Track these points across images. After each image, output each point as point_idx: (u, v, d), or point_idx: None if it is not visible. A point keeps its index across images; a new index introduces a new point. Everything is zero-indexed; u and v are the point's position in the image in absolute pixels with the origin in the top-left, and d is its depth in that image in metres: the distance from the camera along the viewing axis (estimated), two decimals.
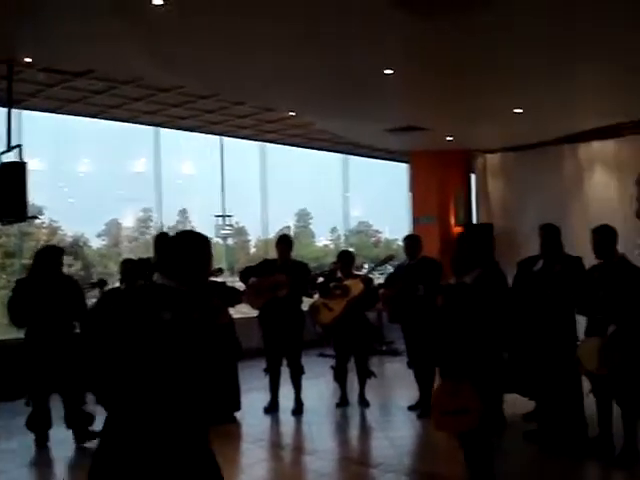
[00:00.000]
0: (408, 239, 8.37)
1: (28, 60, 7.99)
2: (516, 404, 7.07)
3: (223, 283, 8.14)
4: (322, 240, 18.41)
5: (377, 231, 20.33)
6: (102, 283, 7.48)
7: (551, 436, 6.34)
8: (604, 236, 5.92)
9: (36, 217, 11.89)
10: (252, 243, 19.11)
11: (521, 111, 9.88)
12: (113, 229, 17.79)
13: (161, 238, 3.26)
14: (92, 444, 6.53)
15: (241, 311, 8.87)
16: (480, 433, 4.65)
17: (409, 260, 8.09)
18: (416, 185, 13.85)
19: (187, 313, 3.04)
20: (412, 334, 7.95)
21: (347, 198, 16.82)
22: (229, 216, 15.07)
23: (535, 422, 6.70)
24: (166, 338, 2.95)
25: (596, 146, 12.69)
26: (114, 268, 16.54)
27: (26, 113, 10.45)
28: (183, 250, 3.16)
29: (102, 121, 11.60)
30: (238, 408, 7.86)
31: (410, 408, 7.95)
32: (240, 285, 8.18)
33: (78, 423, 6.84)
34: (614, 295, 5.54)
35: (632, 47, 7.23)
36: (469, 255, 4.81)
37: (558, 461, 5.92)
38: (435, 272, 7.67)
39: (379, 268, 9.07)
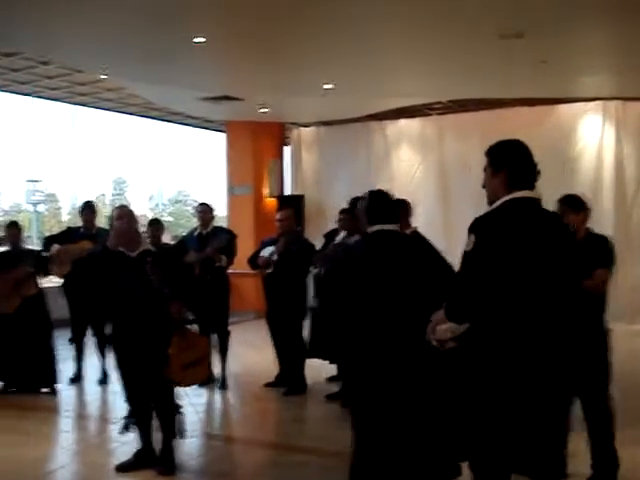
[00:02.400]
0: (203, 206, 8.03)
1: None
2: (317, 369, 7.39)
3: (39, 251, 7.87)
4: (140, 209, 18.09)
5: (195, 200, 20.25)
6: None
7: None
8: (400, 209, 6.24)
9: None
10: (64, 210, 18.46)
11: (332, 87, 10.16)
12: None
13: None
14: None
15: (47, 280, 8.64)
16: None
17: (202, 228, 7.85)
18: (232, 155, 13.90)
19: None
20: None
21: (164, 166, 16.61)
22: (39, 181, 14.48)
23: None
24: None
25: (403, 124, 13.32)
26: None
27: None
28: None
29: None
30: (55, 380, 7.63)
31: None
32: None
33: None
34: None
35: (438, 32, 7.65)
36: None
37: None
38: (232, 241, 7.73)
39: None
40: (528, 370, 3.15)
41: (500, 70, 9.30)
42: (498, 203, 3.30)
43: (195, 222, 8.27)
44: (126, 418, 5.19)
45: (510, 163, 3.33)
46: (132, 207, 5.47)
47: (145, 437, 5.20)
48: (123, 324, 5.11)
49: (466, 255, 3.21)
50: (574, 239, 3.45)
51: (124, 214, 5.10)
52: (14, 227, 7.72)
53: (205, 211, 7.91)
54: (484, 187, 3.42)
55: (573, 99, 11.68)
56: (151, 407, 5.14)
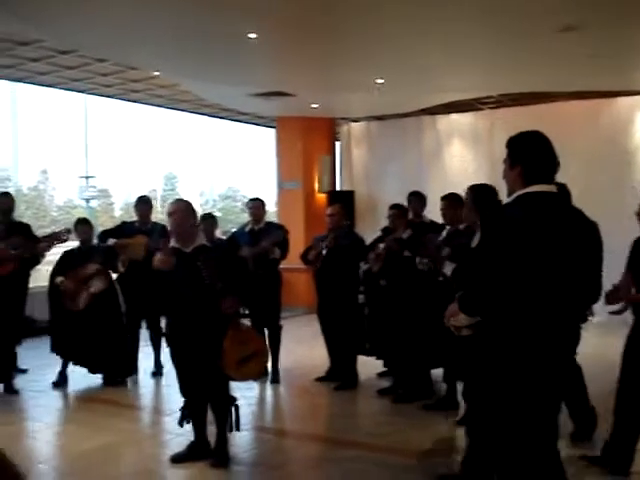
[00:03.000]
0: (255, 202, 8.01)
1: None
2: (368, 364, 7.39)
3: (110, 247, 7.96)
4: None
5: (245, 196, 20.37)
6: None
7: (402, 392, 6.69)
8: (452, 203, 6.22)
9: None
10: (117, 206, 18.72)
11: (383, 81, 10.13)
12: None
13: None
14: None
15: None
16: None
17: (254, 224, 7.85)
18: (282, 151, 13.94)
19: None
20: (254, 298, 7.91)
21: (215, 162, 16.75)
22: (92, 177, 14.70)
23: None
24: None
25: (454, 118, 13.21)
26: None
27: None
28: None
29: None
30: (132, 372, 7.87)
31: None
32: None
33: None
34: (454, 260, 5.82)
35: (489, 27, 7.57)
36: None
37: (403, 416, 6.25)
38: (285, 237, 7.72)
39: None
40: (538, 365, 3.14)
41: (552, 64, 9.16)
42: (512, 198, 3.27)
43: (245, 218, 8.29)
44: (182, 410, 5.25)
45: (527, 156, 3.29)
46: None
47: (199, 429, 5.27)
48: (177, 319, 5.16)
49: (474, 250, 3.20)
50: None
51: (174, 211, 5.09)
52: (84, 223, 7.79)
53: (257, 207, 7.91)
54: (504, 178, 3.40)
55: (630, 92, 11.45)
56: (206, 400, 5.19)
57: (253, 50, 8.44)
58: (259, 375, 5.92)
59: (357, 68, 9.53)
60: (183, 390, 5.24)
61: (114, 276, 7.95)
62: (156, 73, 10.92)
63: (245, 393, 7.18)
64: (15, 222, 7.91)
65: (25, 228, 7.87)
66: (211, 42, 8.28)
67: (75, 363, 7.68)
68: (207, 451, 5.22)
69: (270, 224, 8.04)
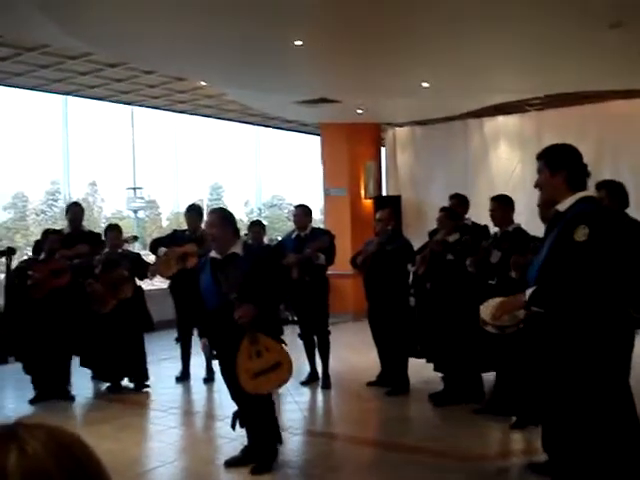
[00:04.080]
0: (299, 208, 8.03)
1: None
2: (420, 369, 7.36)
3: (138, 255, 8.10)
4: (235, 213, 18.40)
5: (291, 204, 20.45)
6: (10, 251, 7.39)
7: (449, 396, 6.65)
8: (502, 204, 6.19)
9: None
10: (164, 216, 18.92)
11: (428, 85, 10.11)
12: (19, 202, 17.36)
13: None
14: None
15: (152, 283, 8.92)
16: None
17: (300, 231, 7.86)
18: (327, 157, 13.97)
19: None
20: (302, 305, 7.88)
21: (260, 171, 16.86)
22: (140, 188, 14.90)
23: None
24: None
25: (501, 121, 13.12)
26: (21, 241, 16.19)
27: None
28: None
29: (8, 89, 11.31)
30: (146, 378, 7.85)
31: (302, 383, 7.89)
32: (152, 258, 8.20)
33: None
34: (505, 262, 5.79)
35: (535, 29, 7.52)
36: None
37: (456, 420, 6.21)
38: (331, 242, 7.70)
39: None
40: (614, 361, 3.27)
41: (598, 62, 9.06)
42: (571, 201, 3.41)
43: (290, 226, 8.33)
44: (234, 415, 5.26)
45: (569, 164, 3.50)
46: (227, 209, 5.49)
47: (252, 433, 5.28)
48: (207, 326, 5.18)
49: (579, 245, 3.25)
50: None
51: (209, 223, 5.15)
52: (114, 230, 7.91)
53: (301, 214, 7.92)
54: (536, 187, 3.57)
55: None
56: (253, 405, 5.13)
57: (299, 57, 8.51)
58: (280, 386, 5.41)
59: (402, 72, 9.53)
60: (232, 395, 5.25)
61: (165, 284, 8.06)
62: (202, 83, 11.06)
63: (297, 398, 7.24)
64: (85, 231, 8.12)
65: (95, 237, 8.05)
66: (257, 50, 8.36)
67: (82, 365, 7.79)
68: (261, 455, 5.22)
69: (316, 230, 8.04)
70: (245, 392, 4.91)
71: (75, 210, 8.19)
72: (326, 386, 7.73)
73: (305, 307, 7.75)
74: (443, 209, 7.13)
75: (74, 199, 13.01)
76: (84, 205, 9.22)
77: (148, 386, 7.76)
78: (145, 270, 7.80)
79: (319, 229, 8.25)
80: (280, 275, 5.25)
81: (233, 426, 5.25)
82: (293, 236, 7.92)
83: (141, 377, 7.79)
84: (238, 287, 4.74)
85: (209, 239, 5.15)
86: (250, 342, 4.82)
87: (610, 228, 3.36)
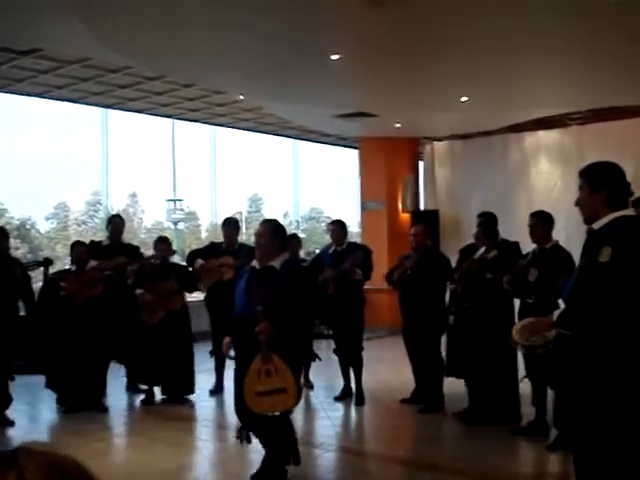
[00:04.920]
0: (334, 224, 8.08)
1: None
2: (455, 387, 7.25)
3: (185, 267, 8.13)
4: None
5: (329, 217, 20.42)
6: (47, 262, 7.48)
7: (482, 415, 6.52)
8: (541, 220, 6.09)
9: None
10: (203, 228, 19.03)
11: (467, 99, 10.03)
12: (62, 212, 17.58)
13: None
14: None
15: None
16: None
17: (336, 245, 7.87)
18: (365, 171, 13.95)
19: None
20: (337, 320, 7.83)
21: (298, 184, 16.87)
22: (180, 200, 15.00)
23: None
24: None
25: (541, 135, 12.97)
26: (63, 251, 16.37)
27: None
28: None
29: (50, 101, 11.48)
30: (192, 391, 7.86)
31: (336, 399, 7.86)
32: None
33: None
34: (543, 280, 5.69)
35: (576, 42, 7.43)
36: None
37: (490, 440, 6.10)
38: (367, 257, 7.69)
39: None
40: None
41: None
42: (605, 221, 3.39)
43: (328, 239, 8.32)
44: (238, 430, 5.16)
45: (611, 183, 3.47)
46: (258, 220, 5.47)
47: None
48: (233, 327, 5.11)
49: (602, 266, 3.21)
50: None
51: (259, 232, 5.12)
52: (163, 242, 7.96)
53: (336, 229, 7.93)
54: (576, 205, 3.53)
55: None
56: (262, 425, 4.99)
57: (336, 71, 8.49)
58: (283, 411, 4.98)
59: (441, 86, 9.47)
60: (239, 415, 5.11)
61: (202, 296, 8.07)
62: (240, 97, 11.11)
63: (330, 414, 7.20)
64: (124, 244, 8.20)
65: (134, 250, 8.13)
66: (293, 64, 8.38)
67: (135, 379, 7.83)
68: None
69: (352, 245, 8.03)
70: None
71: (116, 222, 8.29)
72: (360, 402, 7.67)
73: (340, 322, 7.73)
74: (479, 225, 7.06)
75: (115, 210, 13.15)
76: (124, 216, 9.32)
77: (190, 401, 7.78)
78: (194, 282, 7.84)
79: (356, 244, 8.21)
80: (311, 298, 5.11)
81: (241, 440, 5.13)
82: (330, 251, 7.93)
83: (187, 389, 7.81)
84: (266, 301, 4.69)
85: (255, 247, 5.12)
86: (262, 360, 4.73)
87: (635, 248, 3.29)
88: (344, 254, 7.66)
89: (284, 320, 4.75)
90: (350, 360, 7.83)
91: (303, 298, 4.90)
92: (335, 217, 8.35)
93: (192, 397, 7.81)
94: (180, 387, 7.76)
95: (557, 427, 5.77)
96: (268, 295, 4.71)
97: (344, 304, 7.51)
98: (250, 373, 4.75)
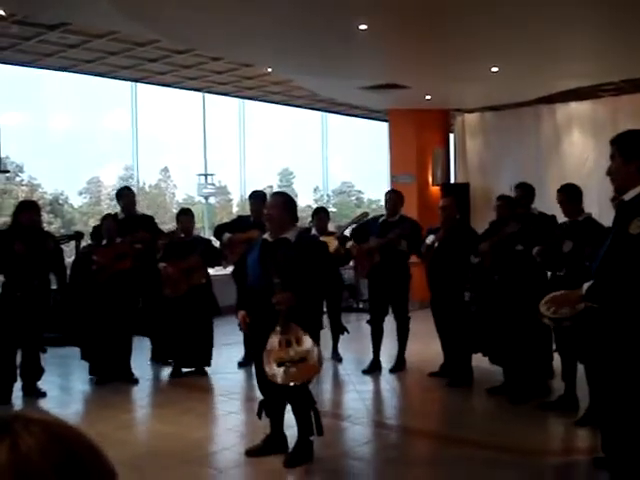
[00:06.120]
0: (391, 193, 8.10)
1: (1, 13, 7.90)
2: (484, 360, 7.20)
3: (209, 241, 8.13)
4: (305, 200, 18.37)
5: (360, 191, 20.33)
6: (79, 235, 7.53)
7: (519, 392, 6.45)
8: (569, 194, 5.98)
9: (7, 171, 11.87)
10: (234, 202, 19.06)
11: (497, 70, 9.86)
12: (94, 187, 17.69)
13: None
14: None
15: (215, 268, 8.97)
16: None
17: (388, 216, 7.85)
18: (395, 144, 13.81)
19: None
20: (380, 290, 7.86)
21: (327, 157, 16.79)
22: (211, 175, 15.01)
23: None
24: None
25: (573, 107, 12.74)
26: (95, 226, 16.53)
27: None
28: None
29: (80, 76, 11.51)
30: (208, 363, 7.89)
31: (364, 372, 7.86)
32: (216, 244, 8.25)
33: (30, 376, 6.90)
34: (576, 252, 5.60)
35: (610, 12, 7.25)
36: None
37: (518, 414, 6.06)
38: (416, 231, 7.66)
39: (354, 226, 8.96)
40: None
41: None
42: (636, 192, 3.29)
43: (358, 212, 8.27)
44: (260, 404, 5.19)
45: None
46: (293, 195, 5.42)
47: (275, 423, 5.17)
48: (251, 311, 5.04)
49: (633, 238, 3.13)
50: None
51: (270, 204, 5.09)
52: (187, 214, 7.97)
53: (393, 198, 7.91)
54: (608, 174, 3.39)
55: None
56: (283, 396, 5.02)
57: (364, 42, 8.39)
58: (304, 381, 4.91)
59: (471, 56, 9.30)
60: (260, 386, 5.16)
61: (229, 270, 8.08)
62: (269, 70, 11.04)
63: (358, 387, 7.19)
64: (138, 215, 8.24)
65: (149, 220, 8.16)
66: (321, 35, 8.29)
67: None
68: (283, 445, 5.13)
69: (403, 217, 7.92)
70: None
71: (127, 194, 8.28)
72: (398, 369, 7.73)
73: (382, 292, 7.70)
74: (500, 197, 6.99)
75: (147, 185, 13.20)
76: (156, 191, 9.34)
77: (205, 372, 7.83)
78: (218, 257, 7.85)
79: (406, 217, 8.07)
80: (326, 270, 5.06)
81: (259, 415, 5.16)
82: (380, 220, 7.90)
83: (204, 361, 7.84)
84: (282, 272, 4.66)
85: (266, 219, 5.08)
86: (282, 330, 4.70)
87: None
88: (393, 225, 7.62)
89: (301, 290, 4.72)
90: (397, 329, 7.91)
91: (319, 269, 4.86)
92: (364, 190, 8.31)
93: (208, 369, 7.85)
94: (197, 358, 7.81)
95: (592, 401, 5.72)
96: (284, 267, 4.67)
97: (389, 274, 7.55)
98: (270, 343, 4.72)
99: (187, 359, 7.79)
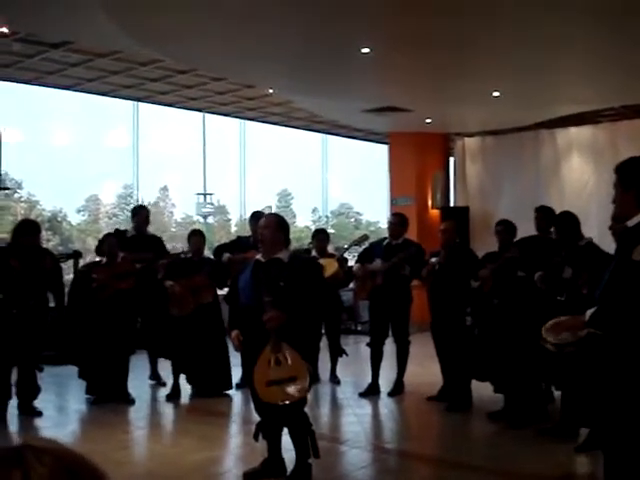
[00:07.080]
0: (395, 217, 8.10)
1: (4, 30, 7.93)
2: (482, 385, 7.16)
3: (217, 261, 8.11)
4: (303, 221, 18.39)
5: (358, 213, 20.35)
6: (77, 254, 7.51)
7: (520, 416, 6.40)
8: (562, 221, 6.00)
9: (7, 188, 11.86)
10: (233, 222, 19.05)
11: (499, 94, 9.90)
12: (93, 205, 17.69)
13: None
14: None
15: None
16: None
17: (392, 240, 7.82)
18: (394, 166, 13.84)
19: None
20: (381, 313, 7.83)
21: (327, 179, 16.82)
22: (210, 194, 15.03)
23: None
24: None
25: (573, 132, 12.78)
26: (93, 244, 16.51)
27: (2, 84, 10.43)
28: None
29: (81, 94, 11.53)
30: (230, 386, 7.81)
31: (361, 394, 7.79)
32: None
33: (27, 395, 6.84)
34: (576, 278, 5.59)
35: (610, 37, 7.29)
36: None
37: (517, 439, 6.01)
38: (420, 255, 7.64)
39: (353, 248, 8.95)
40: None
41: None
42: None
43: (357, 234, 8.27)
44: (257, 426, 5.10)
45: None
46: (296, 219, 5.41)
47: (273, 446, 5.10)
48: (237, 319, 5.04)
49: (636, 265, 3.13)
50: None
51: (263, 224, 5.09)
52: (197, 235, 7.96)
53: (397, 223, 7.90)
54: (613, 203, 3.43)
55: None
56: (279, 418, 4.95)
57: (366, 65, 8.43)
58: (292, 402, 4.76)
59: (473, 81, 9.34)
60: (256, 407, 5.08)
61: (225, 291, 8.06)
62: (270, 91, 11.08)
63: (356, 410, 7.15)
64: (148, 235, 8.23)
65: (157, 241, 8.16)
66: (323, 58, 8.32)
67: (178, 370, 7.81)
68: (281, 469, 5.06)
69: (407, 241, 7.91)
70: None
71: (142, 213, 8.30)
72: (396, 393, 7.69)
73: (383, 315, 7.68)
74: (499, 223, 7.00)
75: (145, 203, 13.19)
76: (155, 210, 9.35)
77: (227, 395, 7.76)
78: (226, 276, 7.83)
79: (411, 241, 8.06)
80: (319, 290, 5.02)
81: (256, 437, 5.08)
82: (384, 243, 7.90)
83: (225, 385, 7.77)
84: (274, 291, 4.64)
85: (259, 239, 5.06)
86: (272, 348, 4.67)
87: None
88: (398, 249, 7.61)
89: (293, 309, 4.69)
90: (397, 352, 7.87)
91: (312, 289, 4.84)
92: (364, 212, 8.32)
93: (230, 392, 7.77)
94: (217, 382, 7.73)
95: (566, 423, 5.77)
96: (276, 287, 4.65)
97: (390, 298, 7.53)
98: (260, 362, 4.69)
99: (206, 385, 7.69)
